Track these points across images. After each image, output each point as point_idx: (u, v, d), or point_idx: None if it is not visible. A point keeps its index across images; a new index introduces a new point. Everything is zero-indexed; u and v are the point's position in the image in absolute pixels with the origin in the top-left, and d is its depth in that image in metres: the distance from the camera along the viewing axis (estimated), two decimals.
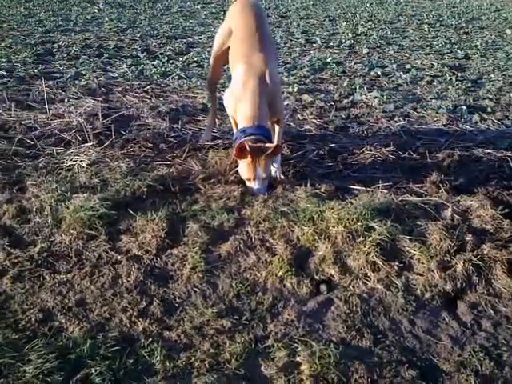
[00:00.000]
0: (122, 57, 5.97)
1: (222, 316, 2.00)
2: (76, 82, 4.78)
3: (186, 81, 5.03)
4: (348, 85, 5.14)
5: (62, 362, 1.74)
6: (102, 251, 2.30)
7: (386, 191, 2.79)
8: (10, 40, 6.42)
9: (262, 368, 1.78)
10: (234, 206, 2.61)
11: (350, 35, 8.00)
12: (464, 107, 4.45)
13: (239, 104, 2.86)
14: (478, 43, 7.70)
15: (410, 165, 3.31)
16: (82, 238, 2.36)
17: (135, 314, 1.99)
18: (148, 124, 3.80)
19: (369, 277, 2.20)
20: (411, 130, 3.95)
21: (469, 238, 2.35)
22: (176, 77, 5.17)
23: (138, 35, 7.28)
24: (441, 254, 2.27)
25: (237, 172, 2.87)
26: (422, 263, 2.24)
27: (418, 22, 9.70)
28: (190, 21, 8.93)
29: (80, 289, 2.12)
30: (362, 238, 2.30)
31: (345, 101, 4.61)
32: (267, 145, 2.71)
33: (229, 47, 3.21)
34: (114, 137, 3.43)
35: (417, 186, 2.96)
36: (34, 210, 2.54)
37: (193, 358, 1.80)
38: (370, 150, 3.45)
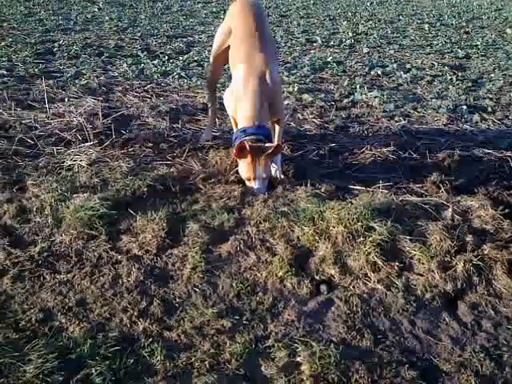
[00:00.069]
0: (122, 56, 5.97)
1: (223, 316, 1.99)
2: (76, 81, 4.78)
3: (186, 80, 5.03)
4: (348, 84, 5.14)
5: (63, 361, 1.74)
6: (103, 251, 2.30)
7: (386, 191, 2.78)
8: (10, 39, 6.42)
9: (263, 368, 1.78)
10: (234, 205, 2.60)
11: (350, 34, 8.00)
12: (464, 107, 4.45)
13: (239, 104, 2.86)
14: (478, 43, 7.70)
15: (411, 165, 3.31)
16: (82, 238, 2.36)
17: (135, 313, 1.99)
18: (148, 123, 3.80)
19: (369, 277, 2.20)
20: (411, 130, 3.95)
21: (469, 238, 2.35)
22: (176, 76, 5.17)
23: (139, 34, 7.29)
24: (441, 255, 2.26)
25: (237, 172, 2.86)
26: (423, 263, 2.24)
27: (419, 22, 9.70)
28: (191, 20, 8.93)
29: (80, 289, 2.12)
30: (362, 238, 2.30)
31: (345, 100, 4.61)
32: (267, 144, 2.71)
33: (229, 47, 3.21)
34: (114, 136, 3.43)
35: (417, 185, 2.95)
36: (35, 209, 2.53)
37: (193, 358, 1.80)
38: (371, 150, 3.45)
